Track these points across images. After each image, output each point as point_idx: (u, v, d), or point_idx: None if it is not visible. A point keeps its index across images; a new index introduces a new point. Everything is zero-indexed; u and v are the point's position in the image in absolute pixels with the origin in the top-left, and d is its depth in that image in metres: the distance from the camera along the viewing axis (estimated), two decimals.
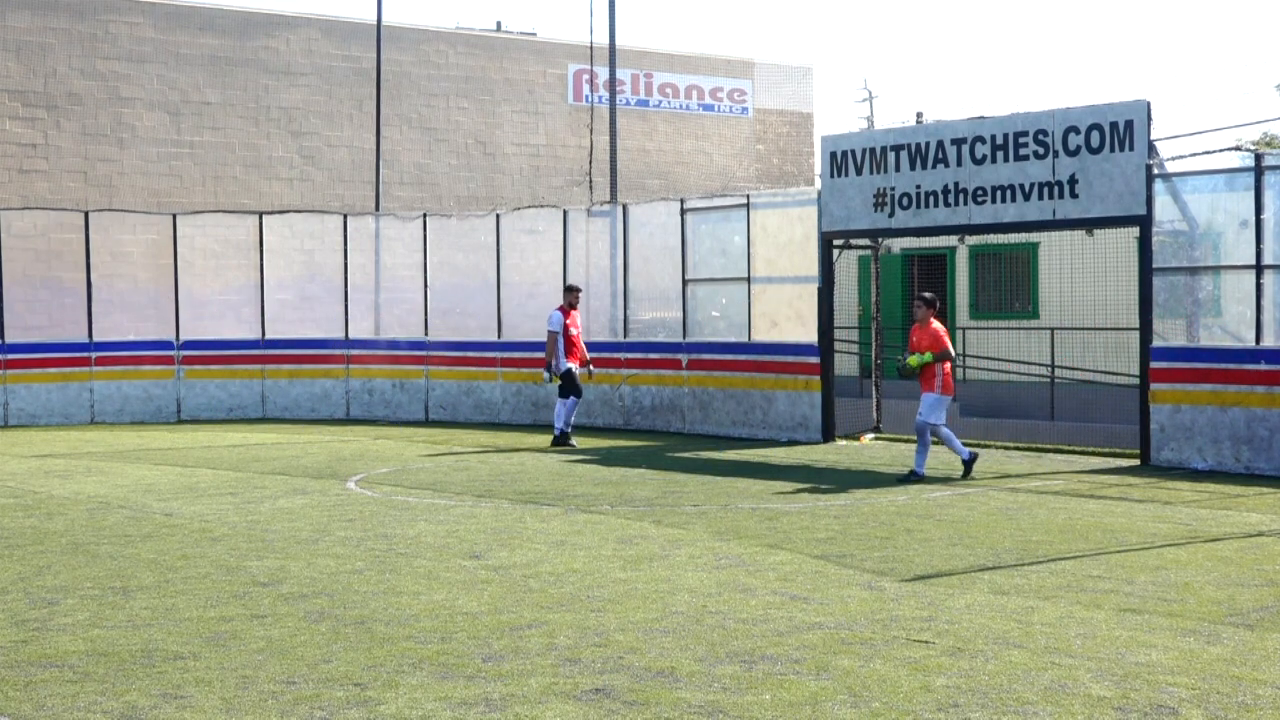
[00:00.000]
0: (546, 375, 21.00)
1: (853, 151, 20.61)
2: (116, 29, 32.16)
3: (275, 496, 15.65)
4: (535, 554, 11.72)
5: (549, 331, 20.90)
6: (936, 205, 19.63)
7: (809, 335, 21.26)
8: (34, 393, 26.04)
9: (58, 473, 18.32)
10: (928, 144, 19.72)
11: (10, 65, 30.94)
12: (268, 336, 27.38)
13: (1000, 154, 18.90)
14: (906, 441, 20.55)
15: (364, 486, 16.47)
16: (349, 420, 26.51)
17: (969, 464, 16.60)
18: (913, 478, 16.38)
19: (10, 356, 25.90)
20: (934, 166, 19.63)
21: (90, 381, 26.46)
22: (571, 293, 21.25)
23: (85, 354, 26.52)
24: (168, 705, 7.40)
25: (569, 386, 20.87)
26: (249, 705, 7.38)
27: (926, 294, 16.83)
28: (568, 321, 20.82)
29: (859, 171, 20.51)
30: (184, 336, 27.10)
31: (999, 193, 18.93)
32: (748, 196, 22.49)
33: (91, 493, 16.19)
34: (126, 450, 21.29)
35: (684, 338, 22.95)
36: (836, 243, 21.44)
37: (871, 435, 21.50)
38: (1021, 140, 18.67)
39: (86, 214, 27.41)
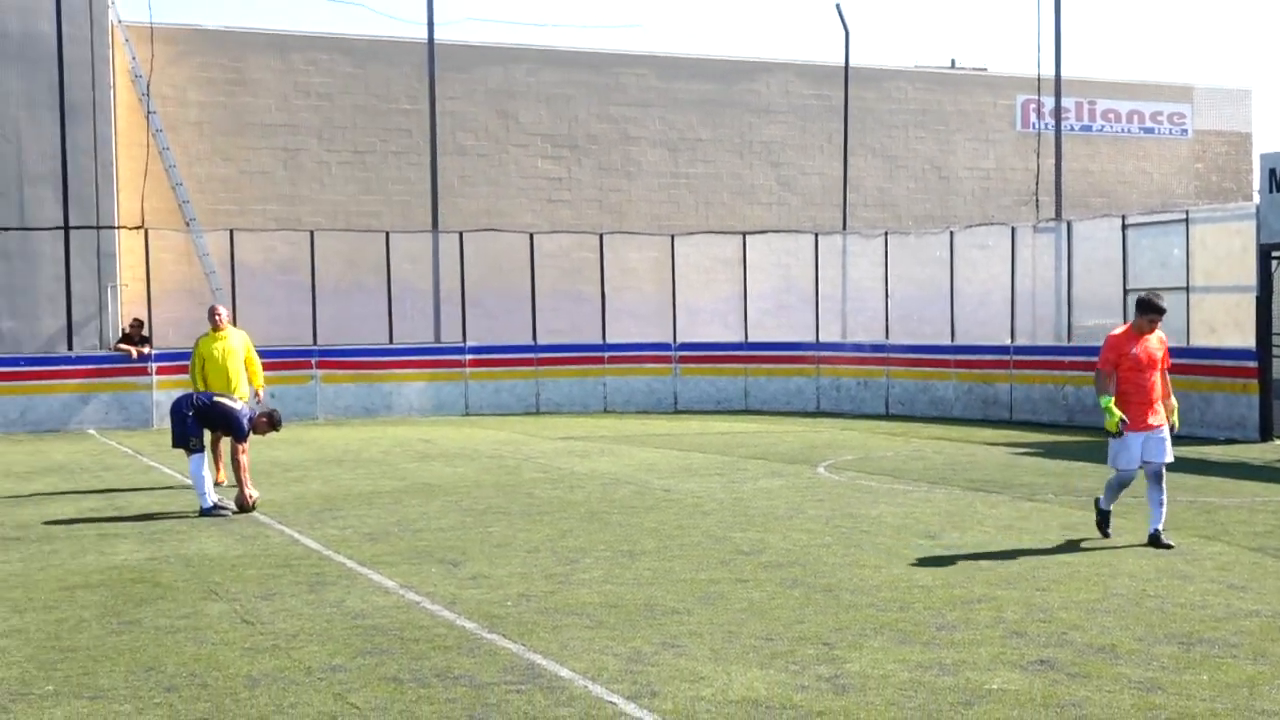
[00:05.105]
0: None
1: None
2: (625, 79, 33.52)
3: (756, 478, 15.92)
4: (984, 536, 11.48)
5: None
6: None
7: (1246, 341, 19.91)
8: (559, 385, 27.53)
9: (578, 453, 19.24)
10: None
11: (542, 113, 32.77)
12: (750, 339, 27.96)
13: None
14: None
15: (832, 471, 16.54)
16: (818, 413, 26.67)
17: None
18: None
19: (541, 355, 27.52)
20: None
21: (603, 376, 27.75)
22: None
23: (600, 354, 27.83)
24: (666, 652, 7.67)
25: None
26: (734, 656, 7.56)
27: (1152, 295, 11.25)
28: None
29: None
30: (680, 339, 28.04)
31: None
32: (1186, 212, 21.30)
33: (604, 470, 16.89)
34: (632, 435, 22.15)
35: None
36: (1275, 254, 19.97)
37: None
38: None
39: (601, 236, 28.75)
